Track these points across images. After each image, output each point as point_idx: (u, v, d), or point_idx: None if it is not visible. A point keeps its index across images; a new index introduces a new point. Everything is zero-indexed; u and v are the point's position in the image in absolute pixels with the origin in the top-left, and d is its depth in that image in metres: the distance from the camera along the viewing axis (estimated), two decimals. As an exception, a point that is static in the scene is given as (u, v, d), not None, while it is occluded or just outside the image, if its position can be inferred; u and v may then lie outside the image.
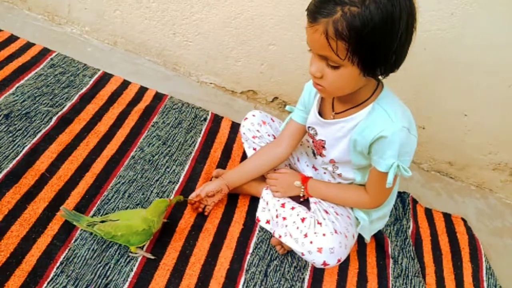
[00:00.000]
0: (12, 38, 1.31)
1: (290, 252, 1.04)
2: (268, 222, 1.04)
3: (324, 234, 0.88)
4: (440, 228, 1.25)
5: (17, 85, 1.17)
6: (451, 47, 1.14)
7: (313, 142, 0.98)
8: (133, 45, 1.43)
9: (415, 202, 1.31)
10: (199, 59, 1.40)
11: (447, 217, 1.29)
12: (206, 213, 1.05)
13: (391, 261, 1.10)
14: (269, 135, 1.12)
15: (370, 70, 0.72)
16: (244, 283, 0.94)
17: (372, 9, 0.63)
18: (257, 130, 1.11)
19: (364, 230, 0.99)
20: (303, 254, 0.89)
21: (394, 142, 0.79)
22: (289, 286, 0.97)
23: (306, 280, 1.00)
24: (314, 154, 1.03)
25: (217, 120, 1.32)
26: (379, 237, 1.15)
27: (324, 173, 1.05)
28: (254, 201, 1.11)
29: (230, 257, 0.98)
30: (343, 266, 1.06)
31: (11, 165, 0.98)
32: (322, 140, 0.93)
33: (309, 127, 0.96)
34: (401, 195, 1.30)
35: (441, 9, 1.07)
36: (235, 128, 1.31)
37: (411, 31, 0.71)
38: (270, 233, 1.04)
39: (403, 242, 1.16)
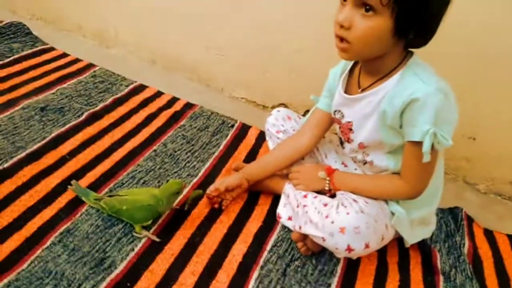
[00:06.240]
0: (64, 55, 1.44)
1: (315, 255, 0.89)
2: (290, 218, 0.93)
3: (348, 213, 0.75)
4: (505, 251, 1.03)
5: (58, 87, 1.26)
6: (505, 39, 1.03)
7: (340, 128, 0.90)
8: (170, 62, 1.51)
9: (470, 220, 1.11)
10: (231, 73, 1.42)
11: (514, 240, 1.07)
12: (223, 208, 0.96)
13: (441, 277, 0.90)
14: (294, 130, 1.05)
15: (404, 29, 0.67)
16: (257, 278, 0.81)
17: None
18: (282, 125, 1.05)
19: (401, 224, 0.83)
20: (324, 240, 0.76)
21: (428, 105, 0.69)
22: (311, 289, 0.82)
23: (332, 287, 0.84)
24: (342, 144, 0.93)
25: (244, 128, 1.29)
26: (425, 250, 0.96)
27: (355, 169, 0.94)
28: (276, 200, 1.00)
29: (244, 251, 0.87)
30: (380, 275, 0.88)
31: (35, 147, 1.00)
32: (349, 122, 0.85)
33: (335, 111, 0.89)
34: (452, 211, 1.12)
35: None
36: (262, 136, 1.26)
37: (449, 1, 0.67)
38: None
39: (456, 259, 0.96)
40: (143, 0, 1.44)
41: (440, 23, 0.68)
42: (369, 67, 0.79)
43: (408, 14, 0.65)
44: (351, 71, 0.87)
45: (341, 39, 0.71)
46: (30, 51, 1.41)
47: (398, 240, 0.95)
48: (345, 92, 0.85)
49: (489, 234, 1.08)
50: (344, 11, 0.68)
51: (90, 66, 1.42)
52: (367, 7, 0.65)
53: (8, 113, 1.09)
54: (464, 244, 1.01)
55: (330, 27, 0.72)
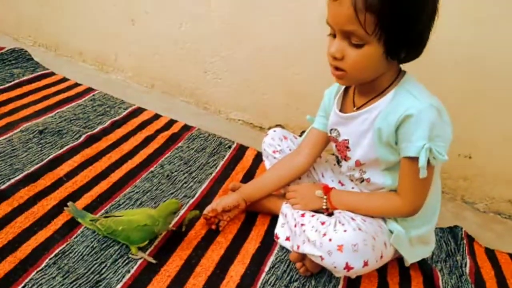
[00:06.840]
0: (64, 80, 1.47)
1: (315, 276, 0.88)
2: (288, 239, 0.92)
3: (345, 231, 0.74)
4: (508, 270, 1.02)
5: (57, 110, 1.27)
6: (498, 58, 1.05)
7: (336, 146, 0.91)
8: (169, 86, 1.53)
9: (471, 239, 1.10)
10: (228, 95, 1.44)
11: (515, 259, 1.05)
12: (220, 229, 0.96)
13: (444, 298, 0.89)
14: (290, 150, 1.05)
15: (395, 50, 0.69)
16: (255, 300, 0.80)
17: None
18: (278, 145, 1.05)
19: (400, 243, 0.82)
20: (322, 259, 0.75)
21: (422, 121, 0.70)
22: (311, 311, 0.80)
23: (333, 308, 0.82)
24: (339, 162, 0.94)
25: (242, 149, 1.29)
26: (426, 271, 0.95)
27: (352, 187, 0.94)
28: (274, 221, 0.99)
29: (242, 272, 0.85)
30: (382, 297, 0.86)
31: (32, 169, 1.00)
32: (346, 140, 0.86)
33: (331, 130, 0.90)
34: (452, 230, 1.11)
35: (480, 18, 1.03)
36: (259, 157, 1.26)
37: (435, 11, 0.69)
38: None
39: (458, 279, 0.94)
40: (142, 26, 1.49)
41: (430, 34, 0.70)
42: (364, 88, 0.81)
43: (396, 37, 0.67)
44: (346, 90, 0.89)
45: (336, 68, 0.73)
46: (30, 76, 1.43)
47: (399, 260, 0.93)
48: (340, 111, 0.87)
49: (490, 254, 1.07)
50: (335, 43, 0.71)
51: (89, 90, 1.44)
52: (355, 38, 0.68)
53: (7, 135, 1.10)
54: (465, 263, 1.00)
55: (326, 52, 0.73)
